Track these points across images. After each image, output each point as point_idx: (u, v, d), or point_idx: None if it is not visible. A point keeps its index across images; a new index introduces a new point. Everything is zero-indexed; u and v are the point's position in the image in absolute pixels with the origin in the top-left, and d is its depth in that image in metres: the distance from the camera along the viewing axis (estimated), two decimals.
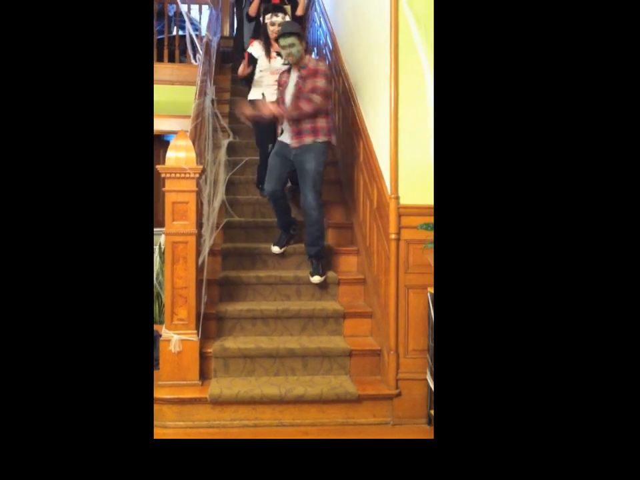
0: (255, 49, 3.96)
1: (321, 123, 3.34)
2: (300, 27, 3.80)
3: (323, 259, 3.44)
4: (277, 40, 3.52)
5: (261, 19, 4.08)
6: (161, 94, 4.67)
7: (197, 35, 5.24)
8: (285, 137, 3.42)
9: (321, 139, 3.33)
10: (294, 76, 3.41)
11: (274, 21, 3.90)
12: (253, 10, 4.58)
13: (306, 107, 3.29)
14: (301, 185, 3.40)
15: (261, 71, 3.93)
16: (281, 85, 3.50)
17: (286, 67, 3.58)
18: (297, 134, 3.33)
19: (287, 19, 4.06)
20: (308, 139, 3.31)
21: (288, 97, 3.40)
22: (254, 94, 3.97)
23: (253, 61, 3.94)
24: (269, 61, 3.92)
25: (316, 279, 3.34)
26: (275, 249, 3.51)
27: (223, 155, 4.14)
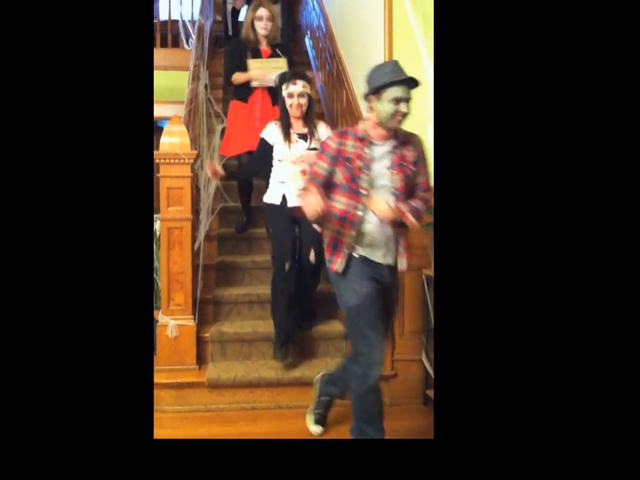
0: (270, 132, 2.93)
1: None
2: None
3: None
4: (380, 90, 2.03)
5: (281, 90, 2.93)
6: (154, 79, 4.64)
7: (189, 21, 5.21)
8: (370, 251, 2.14)
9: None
10: (380, 149, 2.12)
11: (294, 91, 2.84)
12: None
13: (423, 208, 2.14)
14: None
15: (279, 161, 2.90)
16: (359, 162, 2.10)
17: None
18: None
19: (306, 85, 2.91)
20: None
21: (382, 183, 2.11)
22: (271, 196, 2.92)
23: (265, 151, 2.93)
24: (289, 146, 2.87)
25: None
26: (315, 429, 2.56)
27: (217, 140, 4.12)
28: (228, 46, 4.22)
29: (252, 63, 3.47)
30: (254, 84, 3.49)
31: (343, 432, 2.42)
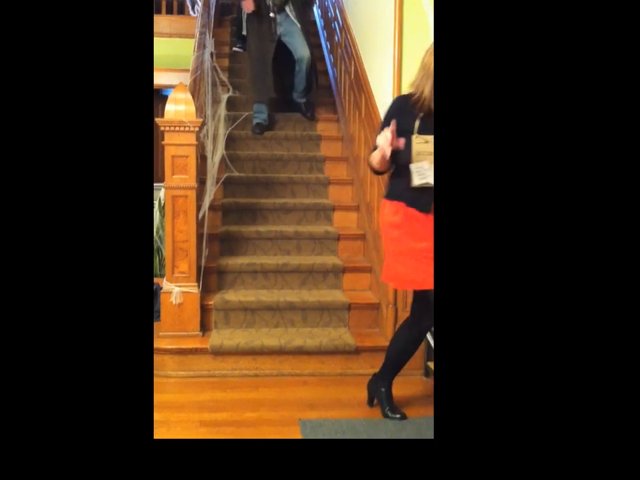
0: None
1: None
2: None
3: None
4: None
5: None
6: (159, 47, 4.58)
7: None
8: None
9: None
10: None
11: None
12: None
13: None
14: None
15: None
16: None
17: None
18: None
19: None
20: None
21: None
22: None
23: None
24: None
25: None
26: None
27: (222, 109, 4.09)
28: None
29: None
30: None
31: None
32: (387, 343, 2.87)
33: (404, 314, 2.92)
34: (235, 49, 4.73)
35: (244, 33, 4.21)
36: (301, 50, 4.02)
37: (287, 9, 4.03)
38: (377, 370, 2.52)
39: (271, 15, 3.99)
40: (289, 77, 4.16)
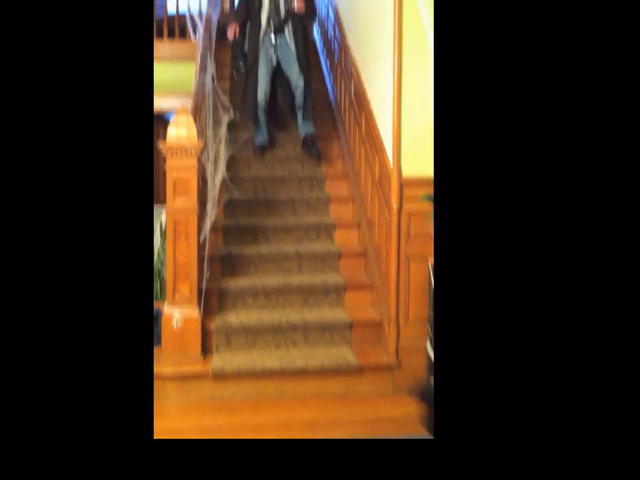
0: None
1: None
2: None
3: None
4: None
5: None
6: (161, 71, 4.64)
7: (197, 13, 5.19)
8: None
9: None
10: None
11: None
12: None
13: None
14: None
15: None
16: None
17: None
18: None
19: None
20: None
21: None
22: None
23: None
24: None
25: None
26: None
27: (223, 131, 4.12)
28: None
29: None
30: None
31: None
32: (389, 360, 2.85)
33: (406, 330, 2.90)
34: (236, 78, 4.72)
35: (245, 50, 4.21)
36: (296, 78, 4.01)
37: (286, 29, 4.02)
38: (379, 387, 2.49)
39: (271, 37, 4.01)
40: (290, 98, 4.18)
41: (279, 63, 4.05)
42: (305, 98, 4.01)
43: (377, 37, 3.29)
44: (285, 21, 3.99)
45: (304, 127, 4.07)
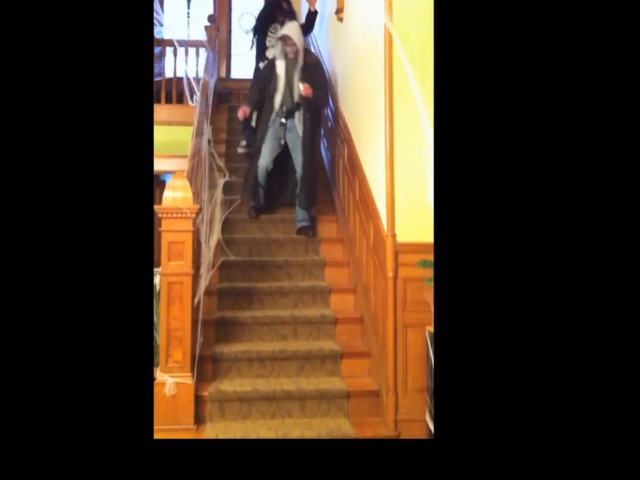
0: None
1: None
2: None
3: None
4: None
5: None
6: (159, 134, 4.72)
7: (194, 78, 5.34)
8: None
9: None
10: None
11: None
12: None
13: None
14: None
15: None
16: None
17: None
18: None
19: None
20: None
21: None
22: None
23: None
24: None
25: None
26: None
27: (219, 194, 4.15)
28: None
29: None
30: None
31: None
32: (388, 432, 2.78)
33: (404, 401, 2.84)
34: (239, 150, 4.76)
35: (252, 124, 4.25)
36: (299, 164, 4.05)
37: (297, 114, 4.05)
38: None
39: (282, 120, 4.05)
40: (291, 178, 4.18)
41: (286, 144, 4.09)
42: (304, 186, 4.00)
43: (369, 102, 3.39)
44: (297, 106, 4.05)
45: (300, 217, 4.04)
